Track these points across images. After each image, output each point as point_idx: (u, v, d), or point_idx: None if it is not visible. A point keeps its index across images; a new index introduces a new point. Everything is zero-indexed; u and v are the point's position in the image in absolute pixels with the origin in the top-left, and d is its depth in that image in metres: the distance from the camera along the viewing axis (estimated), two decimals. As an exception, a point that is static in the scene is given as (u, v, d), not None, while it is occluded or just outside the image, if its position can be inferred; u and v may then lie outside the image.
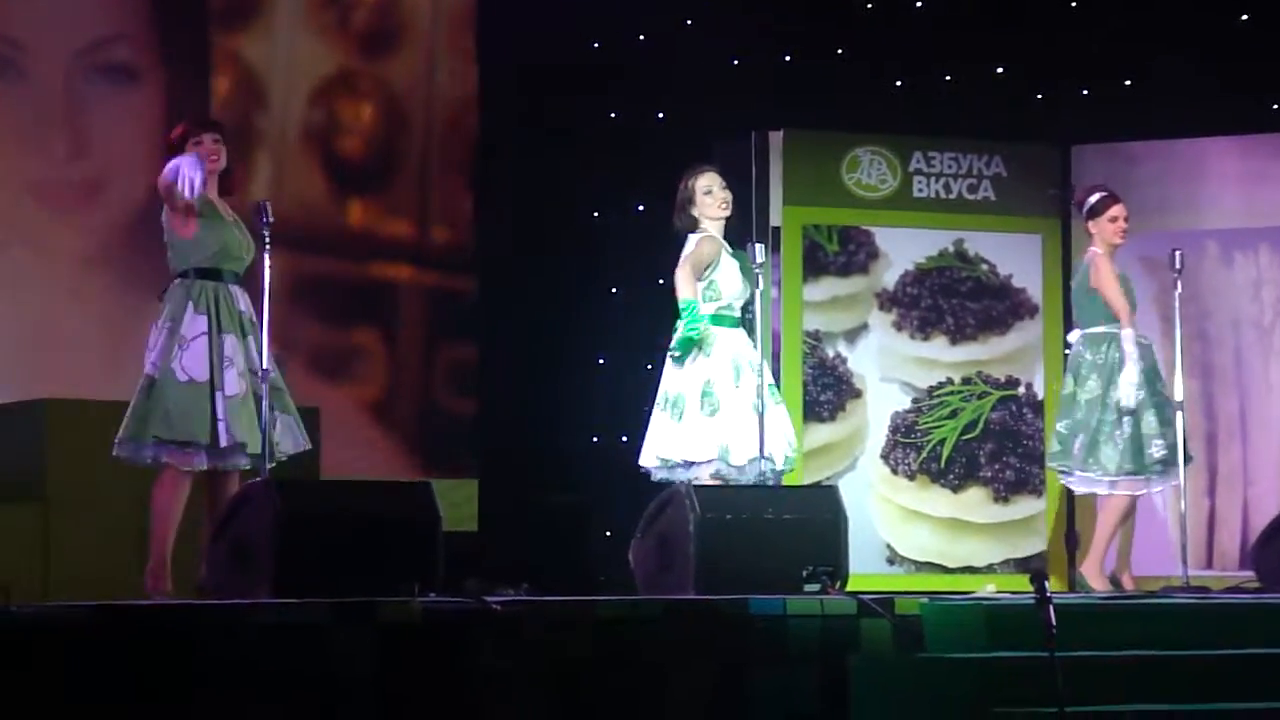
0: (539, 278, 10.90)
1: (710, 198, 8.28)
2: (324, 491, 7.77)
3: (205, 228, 7.65)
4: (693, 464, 8.11)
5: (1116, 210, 8.93)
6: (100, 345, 9.89)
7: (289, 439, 7.72)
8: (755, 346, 8.22)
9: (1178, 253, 8.84)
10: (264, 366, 7.58)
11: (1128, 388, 8.70)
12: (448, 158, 11.06)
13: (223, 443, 7.52)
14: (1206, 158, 10.80)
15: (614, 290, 10.96)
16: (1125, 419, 8.70)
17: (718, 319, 8.21)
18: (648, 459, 8.23)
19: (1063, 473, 8.94)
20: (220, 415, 7.52)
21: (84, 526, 8.36)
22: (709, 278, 8.22)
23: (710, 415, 8.07)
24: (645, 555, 7.67)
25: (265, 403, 7.55)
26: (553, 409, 10.87)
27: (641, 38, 11.06)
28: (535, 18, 10.95)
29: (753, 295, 8.20)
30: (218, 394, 7.53)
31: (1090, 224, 8.98)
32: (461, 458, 10.83)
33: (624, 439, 9.86)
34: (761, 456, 7.97)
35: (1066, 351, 9.17)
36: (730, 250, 8.29)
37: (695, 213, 8.28)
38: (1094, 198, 8.99)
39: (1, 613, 6.10)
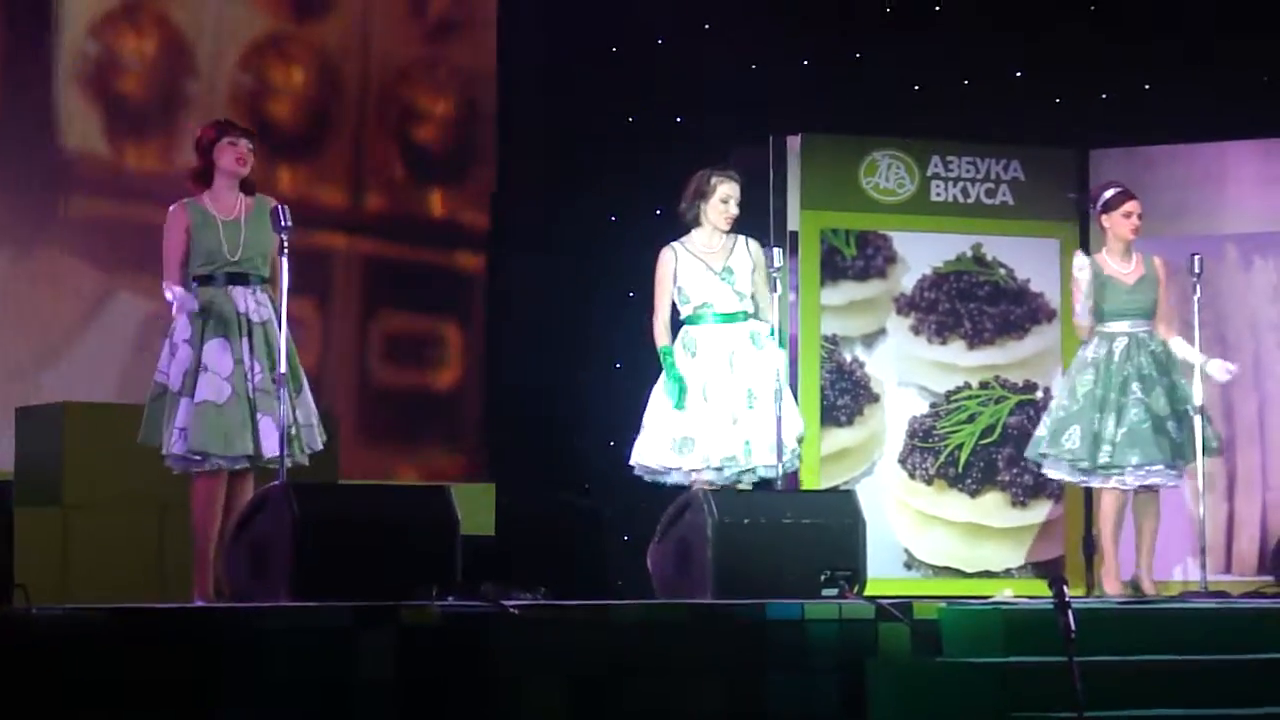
0: (555, 279, 10.91)
1: (724, 206, 8.34)
2: (342, 495, 7.77)
3: (195, 237, 7.68)
4: (670, 470, 8.21)
5: (1131, 205, 8.94)
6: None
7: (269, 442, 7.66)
8: (757, 344, 8.24)
9: (1196, 257, 8.85)
10: (281, 369, 7.59)
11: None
12: (384, 124, 11.01)
13: (176, 450, 7.54)
14: (1225, 162, 10.79)
15: (630, 294, 10.95)
16: (1090, 419, 8.82)
17: (694, 319, 8.31)
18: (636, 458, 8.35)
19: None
20: (180, 423, 7.54)
21: (102, 530, 8.36)
22: (676, 287, 8.31)
23: (685, 416, 8.17)
24: (663, 560, 7.67)
25: (284, 405, 7.55)
26: (570, 412, 10.86)
27: (660, 41, 11.06)
28: (554, 20, 10.98)
29: (772, 299, 8.23)
30: (182, 401, 7.55)
31: (1104, 218, 8.98)
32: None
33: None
34: (779, 454, 8.01)
35: None
36: (689, 251, 8.34)
37: (703, 207, 8.35)
38: (1109, 192, 9.01)
39: (20, 615, 6.11)
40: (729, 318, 8.30)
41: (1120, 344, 8.88)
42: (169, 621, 6.25)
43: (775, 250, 8.25)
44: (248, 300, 7.71)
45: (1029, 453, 9.08)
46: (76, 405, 8.78)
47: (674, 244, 8.41)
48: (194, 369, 7.58)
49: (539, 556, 10.16)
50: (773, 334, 8.29)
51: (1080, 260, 9.00)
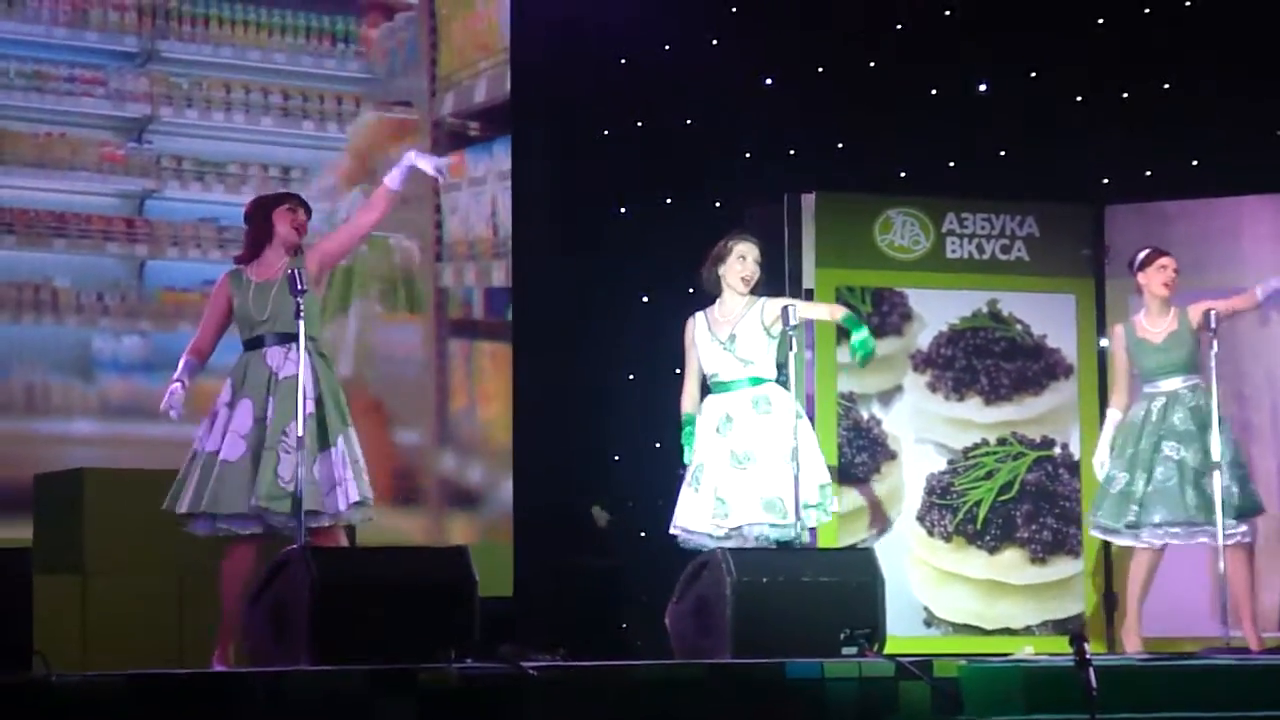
0: (581, 347, 10.96)
1: (741, 264, 8.36)
2: (359, 558, 7.76)
3: (236, 305, 7.84)
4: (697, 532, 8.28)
5: (1165, 260, 9.06)
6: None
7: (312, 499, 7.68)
8: (758, 409, 8.26)
9: (1212, 312, 8.85)
10: (299, 433, 7.60)
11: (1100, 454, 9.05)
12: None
13: (180, 508, 7.62)
14: (1241, 216, 10.78)
15: (631, 377, 10.98)
16: (1114, 479, 8.92)
17: (708, 388, 8.40)
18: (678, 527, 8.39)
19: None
20: (210, 482, 7.60)
21: (122, 596, 8.36)
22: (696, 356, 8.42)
23: (697, 486, 8.26)
24: (682, 619, 7.65)
25: (295, 461, 7.57)
26: (588, 475, 10.87)
27: (672, 102, 11.11)
28: (570, 86, 11.04)
29: (786, 358, 8.25)
30: (219, 461, 7.62)
31: (1140, 277, 9.10)
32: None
33: (659, 503, 9.86)
34: (797, 512, 8.02)
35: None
36: (705, 319, 8.41)
37: (720, 271, 8.38)
38: (1143, 253, 9.13)
39: (40, 682, 6.11)
40: (726, 386, 8.33)
41: (1158, 404, 8.93)
42: (188, 687, 6.24)
43: (792, 308, 8.25)
44: (281, 358, 7.76)
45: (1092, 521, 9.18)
46: (95, 471, 8.80)
47: (699, 313, 8.47)
48: (221, 430, 7.66)
49: (557, 617, 10.16)
50: (787, 387, 8.30)
51: (1116, 330, 9.10)
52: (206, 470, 7.64)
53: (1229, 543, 8.77)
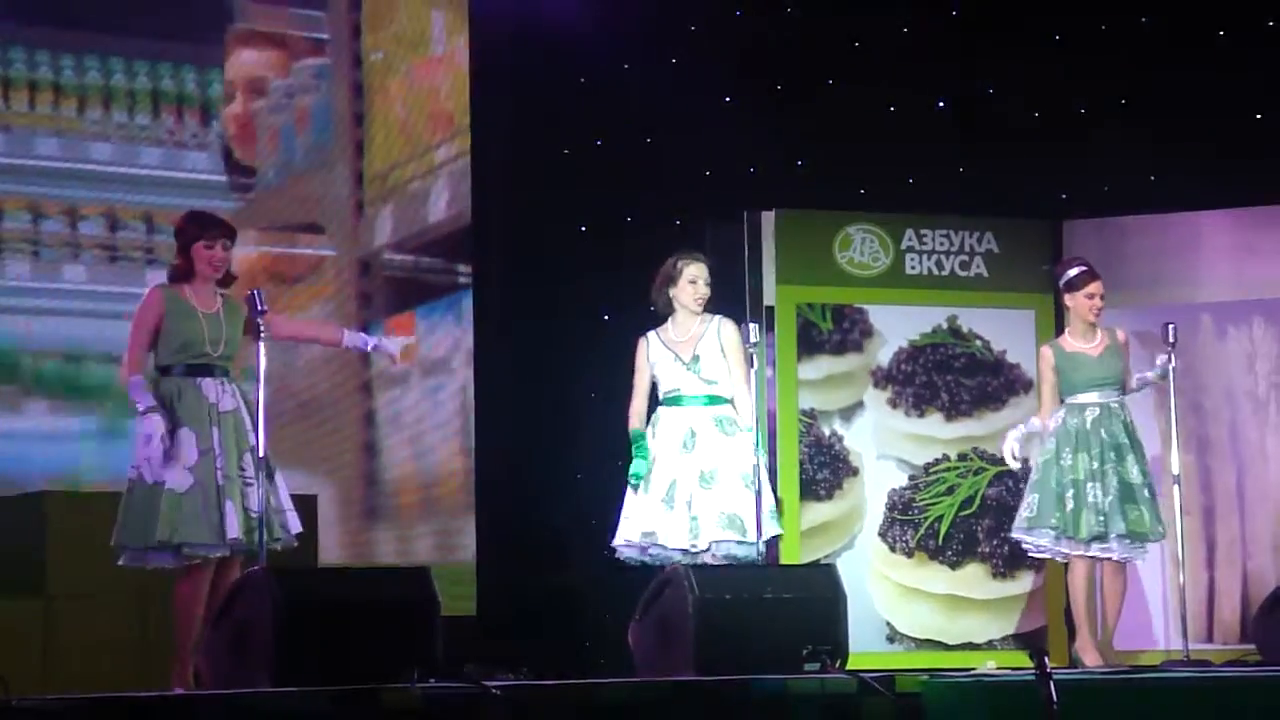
0: (535, 359, 10.96)
1: (693, 287, 8.46)
2: (322, 579, 7.76)
3: (168, 326, 7.68)
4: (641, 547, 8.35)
5: (1094, 287, 9.02)
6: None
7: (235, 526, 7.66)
8: (723, 430, 8.28)
9: (1171, 326, 8.92)
10: (261, 455, 7.59)
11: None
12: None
13: (160, 539, 7.53)
14: (1199, 231, 10.83)
15: (592, 394, 10.96)
16: (1071, 486, 8.90)
17: (664, 401, 8.45)
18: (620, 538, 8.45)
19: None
20: (161, 511, 7.53)
21: (85, 619, 8.35)
22: (651, 376, 8.45)
23: (644, 495, 8.32)
24: (645, 637, 7.66)
25: (259, 491, 7.56)
26: (549, 493, 10.87)
27: (632, 120, 11.12)
28: (528, 108, 11.03)
29: (747, 375, 8.29)
30: (164, 492, 7.54)
31: (1067, 297, 9.09)
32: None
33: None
34: (758, 532, 8.07)
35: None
36: (660, 340, 8.45)
37: (671, 293, 8.46)
38: (1073, 271, 9.09)
39: (1, 706, 6.08)
40: (685, 401, 8.41)
41: (1091, 414, 8.94)
42: (149, 711, 6.22)
43: (751, 326, 8.33)
44: (218, 391, 7.71)
45: (1014, 531, 9.11)
46: (57, 494, 8.78)
47: (650, 332, 8.53)
48: (164, 461, 7.56)
49: (520, 636, 10.15)
50: (740, 413, 8.35)
51: (1043, 351, 9.10)
52: (152, 501, 7.53)
53: (1133, 558, 8.88)
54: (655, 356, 8.44)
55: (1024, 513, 9.01)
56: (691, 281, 8.46)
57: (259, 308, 7.58)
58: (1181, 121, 10.80)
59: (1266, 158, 10.67)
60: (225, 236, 7.79)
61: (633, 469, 8.39)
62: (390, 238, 10.20)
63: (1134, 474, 8.85)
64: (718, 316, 8.48)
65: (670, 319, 8.51)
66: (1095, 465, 8.85)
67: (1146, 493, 8.83)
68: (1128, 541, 8.85)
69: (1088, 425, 8.93)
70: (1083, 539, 8.84)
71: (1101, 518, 8.83)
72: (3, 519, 8.86)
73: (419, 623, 7.02)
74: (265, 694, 6.53)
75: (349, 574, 7.79)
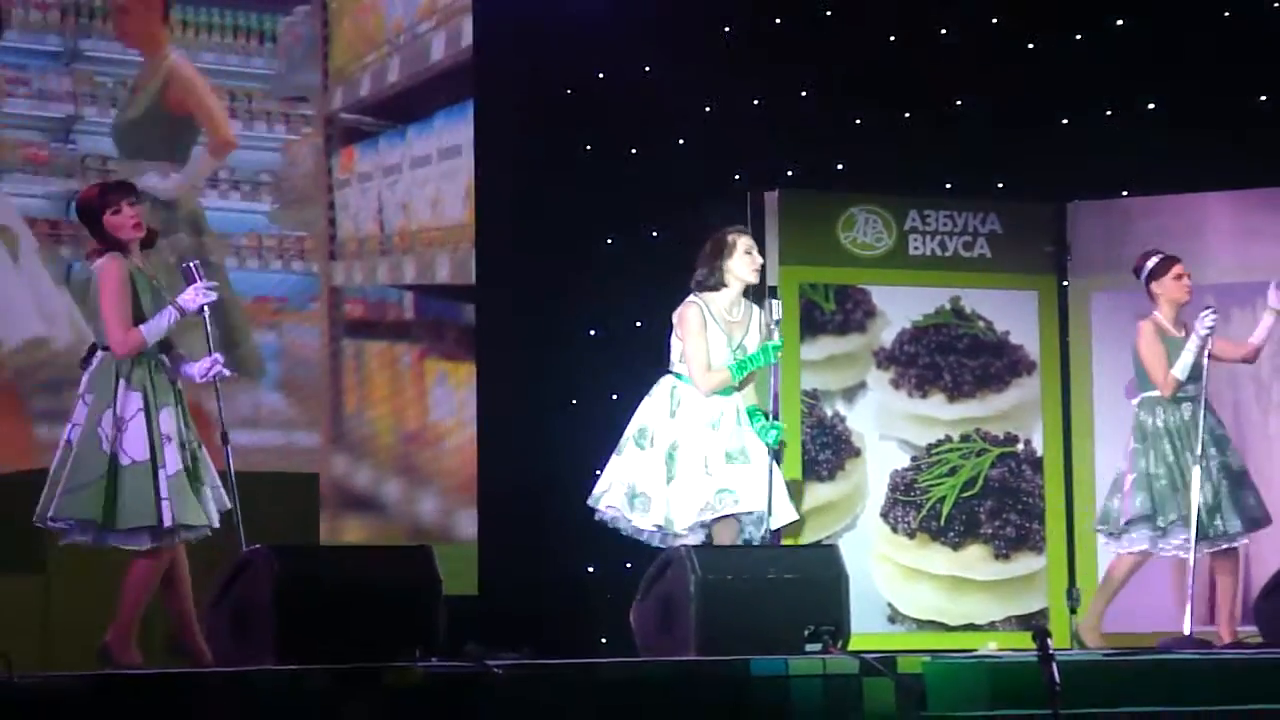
0: (547, 335, 10.95)
1: (749, 258, 8.29)
2: (323, 557, 7.76)
3: (139, 298, 7.54)
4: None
5: (1179, 268, 9.13)
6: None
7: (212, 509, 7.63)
8: (751, 420, 8.25)
9: (1209, 312, 8.93)
10: (221, 431, 7.58)
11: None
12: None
13: (166, 522, 7.46)
14: (1203, 213, 10.82)
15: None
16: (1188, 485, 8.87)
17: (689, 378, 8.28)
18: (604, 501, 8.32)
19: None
20: (164, 494, 7.46)
21: (85, 596, 8.34)
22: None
23: (668, 480, 8.17)
24: (646, 617, 7.66)
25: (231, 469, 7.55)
26: (552, 472, 10.86)
27: (635, 100, 11.10)
28: (528, 85, 11.03)
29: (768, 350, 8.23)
30: (161, 472, 7.47)
31: (1153, 285, 9.11)
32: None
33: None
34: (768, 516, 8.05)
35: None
36: (713, 315, 8.29)
37: (727, 264, 8.27)
38: (1152, 261, 9.16)
39: (3, 683, 6.09)
40: (724, 391, 8.28)
41: (1188, 408, 8.95)
42: (153, 688, 6.23)
43: (774, 302, 8.29)
44: (174, 368, 7.67)
45: (1110, 528, 9.06)
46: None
47: (696, 299, 8.30)
48: (158, 441, 7.47)
49: (522, 615, 10.15)
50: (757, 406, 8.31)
51: (1147, 327, 9.03)
52: (141, 480, 7.43)
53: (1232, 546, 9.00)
54: (712, 331, 8.26)
55: (1141, 510, 8.94)
56: (747, 252, 8.29)
57: (196, 278, 7.50)
58: (1186, 103, 10.77)
59: (1271, 140, 10.65)
60: (123, 196, 7.55)
61: (773, 438, 8.19)
62: (341, 104, 11.08)
63: (1237, 461, 8.94)
64: (752, 304, 8.37)
65: (717, 294, 8.28)
66: (1203, 460, 8.84)
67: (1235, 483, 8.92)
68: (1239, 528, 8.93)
69: (1187, 418, 8.93)
70: (1207, 535, 8.86)
71: (1219, 517, 8.87)
72: (4, 496, 8.85)
73: (421, 602, 7.02)
74: (267, 671, 6.54)
75: (350, 552, 7.78)
